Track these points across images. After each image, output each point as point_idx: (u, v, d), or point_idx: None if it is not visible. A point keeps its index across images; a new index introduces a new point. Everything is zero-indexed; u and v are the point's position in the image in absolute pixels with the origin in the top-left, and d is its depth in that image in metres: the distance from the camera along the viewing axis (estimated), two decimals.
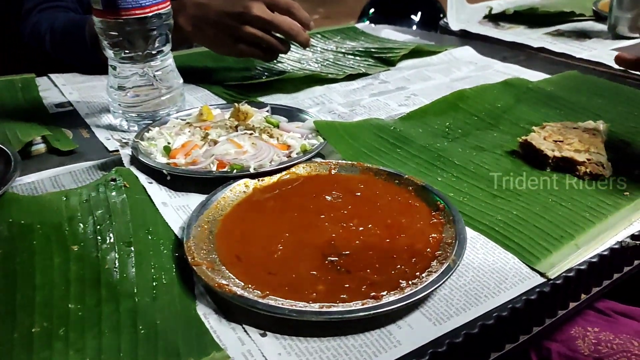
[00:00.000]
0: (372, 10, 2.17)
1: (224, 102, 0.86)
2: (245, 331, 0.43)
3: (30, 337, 0.42)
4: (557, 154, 0.64)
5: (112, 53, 0.73)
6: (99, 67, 0.91)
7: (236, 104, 0.73)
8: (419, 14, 2.11)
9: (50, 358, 0.41)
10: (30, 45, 1.11)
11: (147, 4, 0.69)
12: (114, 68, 0.75)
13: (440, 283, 0.45)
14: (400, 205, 0.57)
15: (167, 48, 0.76)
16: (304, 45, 0.91)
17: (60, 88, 0.94)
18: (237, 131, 0.68)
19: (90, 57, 0.95)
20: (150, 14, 0.70)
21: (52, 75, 0.99)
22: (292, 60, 1.07)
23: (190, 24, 0.89)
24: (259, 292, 0.45)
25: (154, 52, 0.74)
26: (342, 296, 0.45)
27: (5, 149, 0.65)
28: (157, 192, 0.60)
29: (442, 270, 0.46)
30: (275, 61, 1.06)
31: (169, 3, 0.74)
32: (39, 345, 0.42)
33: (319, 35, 1.22)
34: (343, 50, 1.12)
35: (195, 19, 0.88)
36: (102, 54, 0.75)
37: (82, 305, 0.45)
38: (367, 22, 1.61)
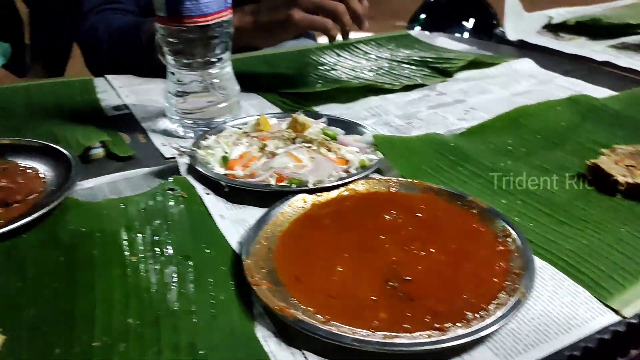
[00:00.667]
0: (423, 15, 2.14)
1: (279, 110, 0.86)
2: (305, 357, 0.42)
3: (90, 351, 0.42)
4: (629, 180, 0.60)
5: (172, 60, 0.73)
6: (155, 69, 0.91)
7: (293, 115, 0.72)
8: (472, 20, 2.07)
9: None
10: (86, 46, 1.13)
11: (209, 12, 0.69)
12: (173, 74, 0.75)
13: (509, 317, 0.43)
14: (464, 229, 0.54)
15: (227, 55, 0.76)
16: (343, 25, 0.86)
17: (117, 90, 0.94)
18: (294, 143, 0.67)
19: (146, 59, 0.96)
20: (212, 22, 0.70)
21: (108, 77, 1.00)
22: (345, 68, 1.06)
23: (244, 21, 0.89)
24: (320, 316, 0.43)
25: (213, 59, 0.74)
26: (404, 325, 0.43)
27: (67, 153, 0.66)
28: (215, 204, 0.60)
29: (512, 304, 0.44)
30: (329, 68, 1.05)
31: (230, 11, 0.73)
32: None
33: (372, 42, 1.21)
34: (398, 59, 1.10)
35: (249, 13, 0.90)
36: (157, 57, 0.76)
37: (141, 321, 0.44)
38: (419, 29, 1.58)
